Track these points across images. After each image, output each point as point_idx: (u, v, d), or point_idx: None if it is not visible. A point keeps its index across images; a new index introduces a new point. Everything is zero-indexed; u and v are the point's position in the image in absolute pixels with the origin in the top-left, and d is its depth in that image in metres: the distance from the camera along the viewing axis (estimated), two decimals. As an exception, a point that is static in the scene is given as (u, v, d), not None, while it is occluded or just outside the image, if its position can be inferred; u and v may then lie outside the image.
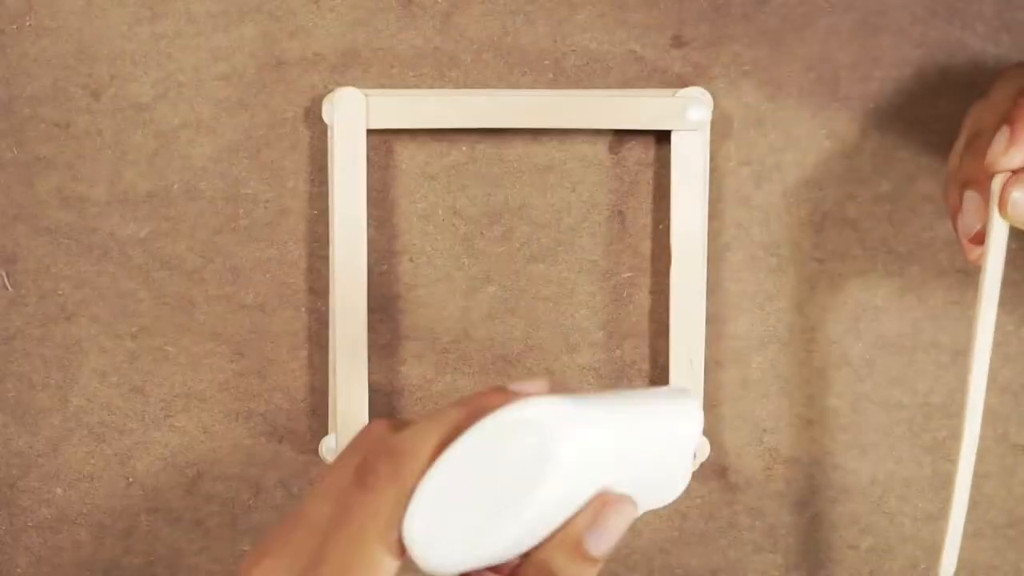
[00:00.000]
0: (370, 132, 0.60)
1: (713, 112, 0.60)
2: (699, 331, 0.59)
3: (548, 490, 0.40)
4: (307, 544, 0.44)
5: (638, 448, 0.43)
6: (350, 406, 0.59)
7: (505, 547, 0.41)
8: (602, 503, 0.42)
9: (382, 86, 0.61)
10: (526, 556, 0.43)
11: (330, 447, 0.60)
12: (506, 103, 0.59)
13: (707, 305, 0.61)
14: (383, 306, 0.62)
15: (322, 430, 0.61)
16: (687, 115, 0.59)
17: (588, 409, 0.41)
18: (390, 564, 0.42)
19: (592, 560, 0.42)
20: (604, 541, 0.42)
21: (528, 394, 0.43)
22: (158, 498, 0.62)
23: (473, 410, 0.43)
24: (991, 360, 0.61)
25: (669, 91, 0.59)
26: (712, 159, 0.60)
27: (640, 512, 0.43)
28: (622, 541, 0.62)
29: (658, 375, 0.61)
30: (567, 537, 0.42)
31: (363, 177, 0.59)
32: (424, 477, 0.42)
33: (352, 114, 0.59)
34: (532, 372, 0.62)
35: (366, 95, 0.59)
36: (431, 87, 0.61)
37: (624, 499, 0.42)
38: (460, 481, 0.42)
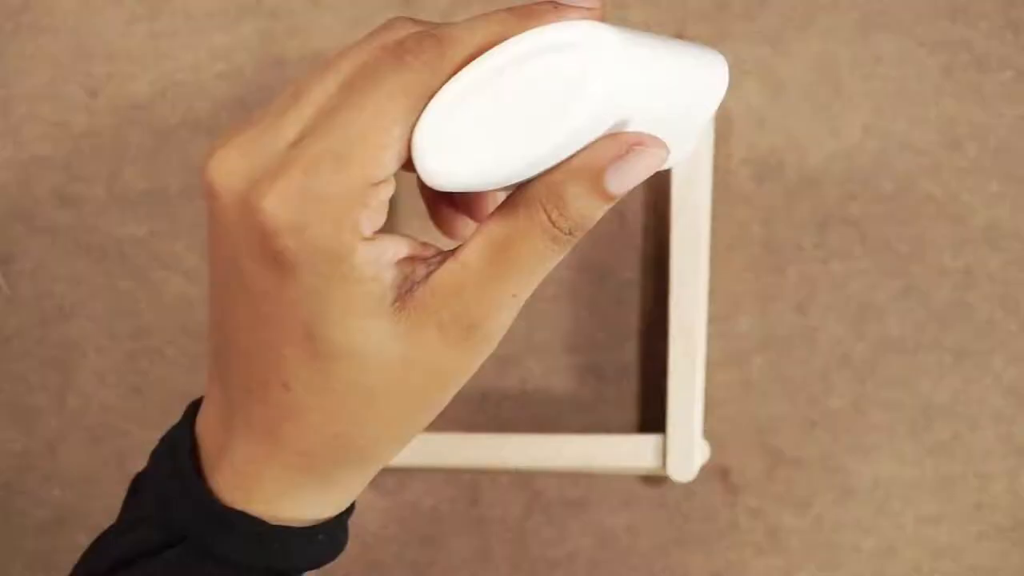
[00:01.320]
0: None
1: (715, 113, 0.60)
2: (700, 331, 0.59)
3: (575, 121, 0.37)
4: (299, 114, 0.39)
5: (671, 96, 0.40)
6: None
7: (516, 172, 0.38)
8: (636, 140, 0.39)
9: (381, 85, 0.61)
10: (537, 177, 0.39)
11: None
12: None
13: (708, 305, 0.61)
14: (382, 306, 0.62)
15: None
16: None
17: (632, 46, 0.38)
18: (391, 158, 0.39)
19: (607, 197, 0.39)
20: (627, 180, 0.39)
21: (579, 10, 0.39)
22: (156, 499, 0.62)
23: (523, 17, 0.39)
24: (996, 361, 0.61)
25: None
26: (714, 158, 0.60)
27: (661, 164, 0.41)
28: (623, 542, 0.62)
29: (659, 375, 0.61)
30: (590, 166, 0.39)
31: None
32: (449, 80, 0.38)
33: None
34: (532, 372, 0.62)
35: None
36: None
37: (659, 142, 0.39)
38: (484, 94, 0.38)
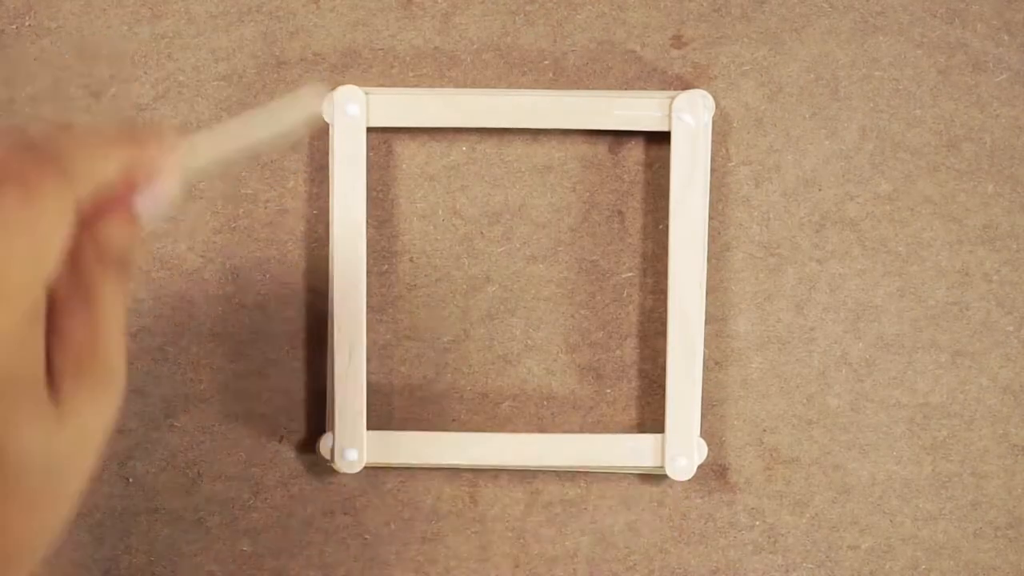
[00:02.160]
0: (370, 131, 0.60)
1: (713, 113, 0.60)
2: (698, 331, 0.59)
3: None
4: None
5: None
6: (348, 406, 0.60)
7: None
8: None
9: (382, 86, 0.61)
10: None
11: (328, 445, 0.60)
12: (506, 103, 0.59)
13: (707, 305, 0.61)
14: (383, 306, 0.62)
15: (321, 430, 0.61)
16: (688, 118, 0.59)
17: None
18: None
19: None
20: None
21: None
22: (158, 498, 0.62)
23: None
24: (992, 361, 0.61)
25: (670, 93, 0.60)
26: (712, 159, 0.60)
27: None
28: (622, 540, 0.62)
29: (658, 375, 0.61)
30: None
31: (363, 175, 0.59)
32: None
33: (352, 112, 0.59)
34: (532, 371, 0.62)
35: (366, 93, 0.59)
36: (431, 87, 0.61)
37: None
38: None
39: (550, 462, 0.60)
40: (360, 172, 0.59)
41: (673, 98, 0.59)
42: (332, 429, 0.60)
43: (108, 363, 0.42)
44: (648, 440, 0.60)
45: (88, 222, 0.41)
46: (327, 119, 0.59)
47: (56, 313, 0.42)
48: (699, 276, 0.59)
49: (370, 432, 0.60)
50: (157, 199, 0.42)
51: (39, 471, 0.41)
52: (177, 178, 0.42)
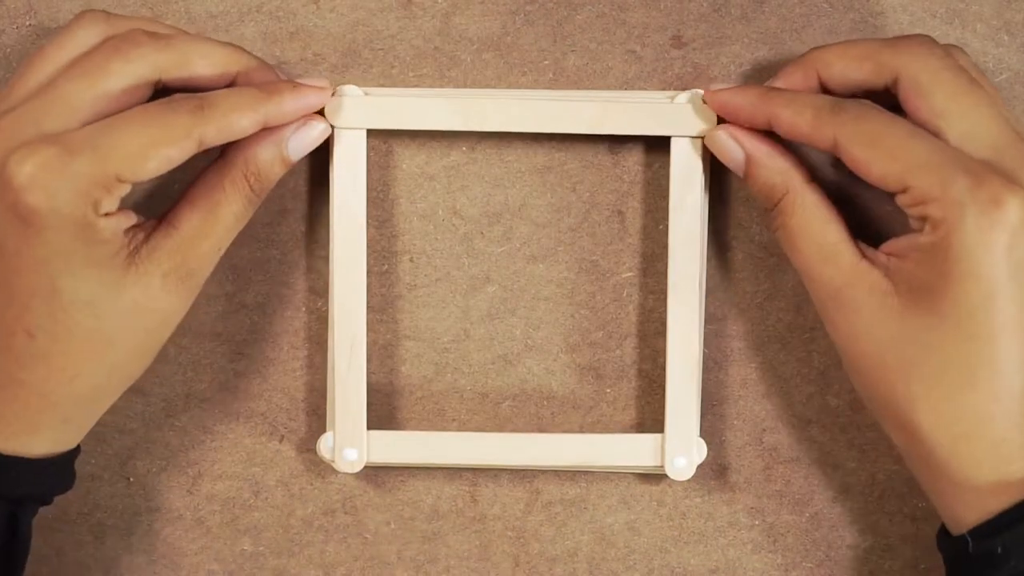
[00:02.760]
0: (370, 132, 0.60)
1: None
2: (697, 331, 0.59)
3: None
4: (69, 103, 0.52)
5: None
6: (348, 406, 0.60)
7: None
8: (308, 104, 0.57)
9: (382, 86, 0.61)
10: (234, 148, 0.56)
11: (328, 445, 0.60)
12: (507, 107, 0.59)
13: (707, 305, 0.61)
14: (383, 306, 0.62)
15: (322, 430, 0.62)
16: (688, 121, 0.59)
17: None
18: (137, 173, 0.51)
19: (288, 162, 0.57)
20: (303, 148, 0.57)
21: (314, 89, 0.56)
22: (159, 497, 0.62)
23: (269, 94, 0.55)
24: None
25: (670, 94, 0.59)
26: (712, 159, 0.60)
27: None
28: (622, 539, 0.62)
29: (658, 374, 0.61)
30: (275, 137, 0.56)
31: (363, 176, 0.59)
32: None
33: (353, 112, 0.59)
34: (532, 371, 0.62)
35: (367, 93, 0.59)
36: (431, 87, 0.61)
37: (317, 116, 0.58)
38: None
39: (550, 462, 0.60)
40: (360, 172, 0.59)
41: (673, 103, 0.59)
42: (332, 429, 0.60)
43: (194, 260, 0.53)
44: (648, 440, 0.60)
45: (243, 145, 0.55)
46: (327, 119, 0.59)
47: (183, 203, 0.54)
48: (698, 276, 0.59)
49: (370, 432, 0.60)
50: (304, 137, 0.56)
51: (111, 315, 0.51)
52: (325, 124, 0.57)
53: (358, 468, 0.60)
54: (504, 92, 0.60)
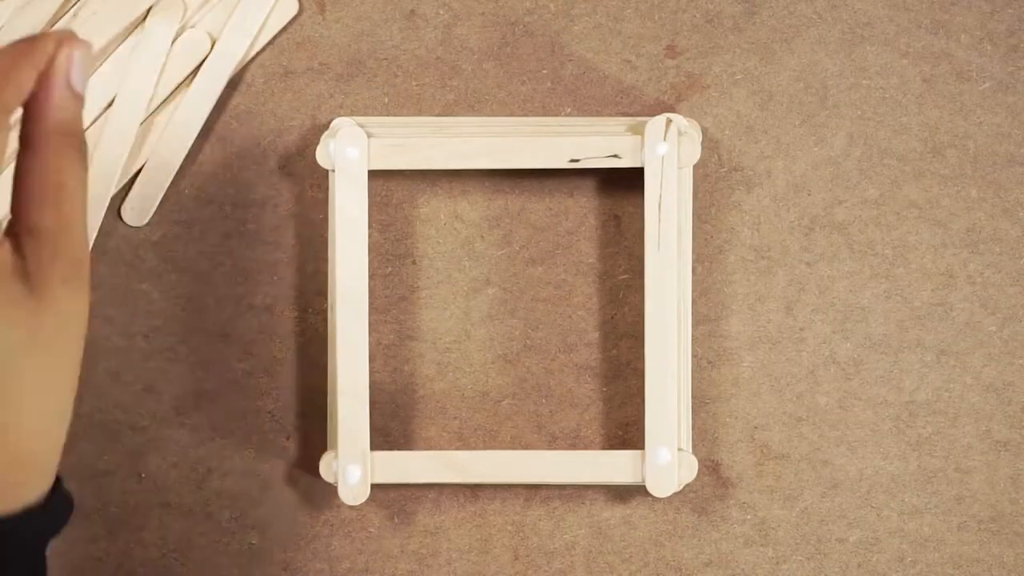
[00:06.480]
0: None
1: (702, 145, 0.59)
2: (686, 332, 0.60)
3: None
4: None
5: None
6: (351, 406, 0.59)
7: None
8: (66, 46, 0.44)
9: (386, 95, 0.61)
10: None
11: (332, 469, 0.59)
12: (500, 145, 0.59)
13: (700, 306, 0.61)
14: (387, 307, 0.62)
15: (325, 428, 0.62)
16: (660, 150, 0.58)
17: None
18: None
19: (80, 96, 0.44)
20: (83, 74, 0.44)
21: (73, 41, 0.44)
22: (169, 493, 0.62)
23: (23, 54, 0.43)
24: (975, 360, 0.61)
25: (642, 120, 0.59)
26: (704, 165, 0.61)
27: None
28: (618, 533, 0.63)
29: (652, 374, 0.61)
30: (58, 79, 0.43)
31: (364, 183, 0.59)
32: None
33: (352, 153, 0.58)
34: (530, 371, 0.63)
35: (367, 132, 0.59)
36: (433, 96, 0.61)
37: (73, 39, 0.44)
38: None
39: (548, 479, 0.60)
40: (362, 181, 0.59)
41: (644, 125, 0.58)
42: (334, 431, 0.59)
43: (77, 249, 0.44)
44: (628, 456, 0.60)
45: (32, 110, 0.44)
46: (326, 158, 0.59)
47: (24, 204, 0.44)
48: (675, 286, 0.59)
49: (374, 452, 0.59)
50: (81, 65, 0.44)
51: (26, 359, 0.42)
52: (87, 46, 0.44)
53: (363, 496, 0.59)
54: (500, 123, 0.60)
